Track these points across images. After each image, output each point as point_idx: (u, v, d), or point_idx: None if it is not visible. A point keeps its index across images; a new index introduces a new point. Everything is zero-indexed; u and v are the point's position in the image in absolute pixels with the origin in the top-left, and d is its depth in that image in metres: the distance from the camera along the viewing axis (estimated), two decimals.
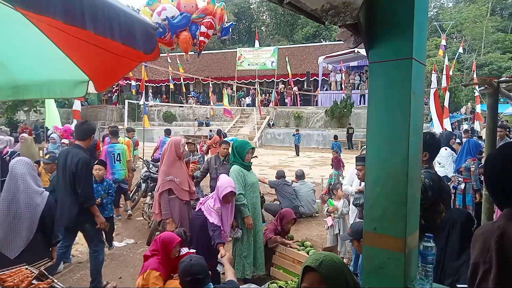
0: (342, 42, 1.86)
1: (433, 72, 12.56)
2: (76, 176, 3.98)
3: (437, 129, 10.37)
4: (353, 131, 21.20)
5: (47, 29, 2.24)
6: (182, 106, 28.35)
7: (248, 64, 27.74)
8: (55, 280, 1.97)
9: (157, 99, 31.99)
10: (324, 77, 27.18)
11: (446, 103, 11.66)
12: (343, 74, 25.09)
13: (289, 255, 4.36)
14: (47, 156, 6.27)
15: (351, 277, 1.58)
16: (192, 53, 28.95)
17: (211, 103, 28.79)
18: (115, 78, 2.52)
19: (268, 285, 3.78)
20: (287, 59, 27.20)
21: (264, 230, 4.75)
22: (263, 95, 28.93)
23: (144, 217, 6.99)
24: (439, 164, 7.06)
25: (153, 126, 24.86)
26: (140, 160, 9.95)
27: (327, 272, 1.52)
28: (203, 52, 31.69)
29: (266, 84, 29.08)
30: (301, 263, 1.98)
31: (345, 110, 22.84)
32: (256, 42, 28.71)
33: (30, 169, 3.19)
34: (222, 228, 3.96)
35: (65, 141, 9.49)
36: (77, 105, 11.52)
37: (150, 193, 7.14)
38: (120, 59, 2.15)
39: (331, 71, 26.65)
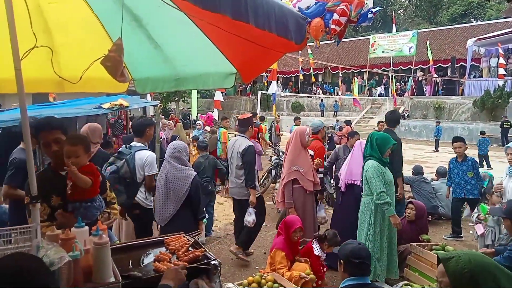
0: (508, 19, 1.56)
1: None
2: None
3: None
4: (510, 125, 17.93)
5: (204, 26, 2.51)
6: (311, 97, 28.51)
7: (382, 51, 26.09)
8: (207, 250, 2.23)
9: (286, 89, 32.89)
10: (473, 63, 23.63)
11: None
12: (500, 58, 21.18)
13: (427, 258, 3.99)
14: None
15: None
16: (332, 41, 28.65)
17: (340, 93, 28.17)
18: (260, 70, 2.68)
19: (402, 286, 3.56)
20: (427, 44, 24.54)
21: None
22: (398, 84, 26.86)
23: (274, 201, 7.33)
24: None
25: (282, 116, 25.67)
26: (270, 147, 10.46)
27: (453, 270, 1.38)
28: (331, 41, 31.23)
29: (401, 72, 26.86)
30: None
31: (499, 101, 19.45)
32: (393, 27, 26.74)
33: (175, 152, 3.63)
34: None
35: (207, 128, 10.61)
36: (218, 96, 12.65)
37: (279, 180, 7.47)
38: (267, 51, 2.27)
39: (483, 56, 22.93)
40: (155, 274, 1.91)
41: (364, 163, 4.13)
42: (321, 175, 5.19)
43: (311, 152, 5.16)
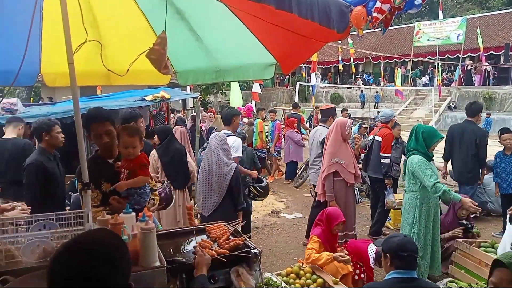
0: None
1: None
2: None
3: None
4: None
5: (244, 17, 2.52)
6: (350, 87, 27.81)
7: (428, 39, 24.82)
8: (247, 239, 2.26)
9: (325, 80, 32.30)
10: None
11: None
12: None
13: (475, 255, 3.81)
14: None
15: None
16: (374, 30, 27.66)
17: (381, 84, 27.23)
18: (300, 60, 2.65)
19: (447, 283, 3.43)
20: (478, 30, 23.00)
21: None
22: (444, 73, 25.50)
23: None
24: None
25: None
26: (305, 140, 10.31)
27: None
28: (373, 30, 29.91)
29: (448, 61, 25.43)
30: (489, 266, 1.70)
31: None
32: (440, 14, 25.33)
33: (222, 143, 3.72)
34: None
35: (245, 120, 10.66)
36: (256, 88, 12.64)
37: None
38: (308, 41, 2.24)
39: None
40: (193, 261, 1.95)
41: (408, 158, 3.94)
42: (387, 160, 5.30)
43: (379, 138, 5.38)
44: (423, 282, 2.49)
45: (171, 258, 1.93)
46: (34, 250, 1.71)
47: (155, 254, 1.86)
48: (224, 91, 25.31)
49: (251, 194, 4.79)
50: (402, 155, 5.46)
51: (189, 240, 2.33)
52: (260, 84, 14.83)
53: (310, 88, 20.38)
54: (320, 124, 5.33)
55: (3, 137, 4.28)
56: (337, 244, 3.92)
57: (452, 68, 25.11)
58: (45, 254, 1.72)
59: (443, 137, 4.01)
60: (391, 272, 2.29)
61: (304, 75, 25.69)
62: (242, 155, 4.51)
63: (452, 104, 22.14)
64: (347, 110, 10.82)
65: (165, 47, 2.28)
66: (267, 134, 9.49)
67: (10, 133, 4.26)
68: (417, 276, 2.32)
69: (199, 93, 9.10)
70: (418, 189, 3.82)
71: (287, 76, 32.42)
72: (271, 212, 6.87)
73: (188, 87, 12.68)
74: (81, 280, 0.95)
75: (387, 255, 2.35)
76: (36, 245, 1.72)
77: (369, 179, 5.93)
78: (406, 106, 24.17)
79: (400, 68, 25.03)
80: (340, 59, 25.99)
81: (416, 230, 3.82)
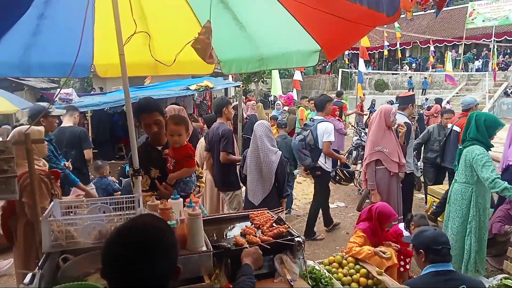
0: None
1: None
2: None
3: None
4: None
5: (288, 3, 2.48)
6: (397, 73, 26.65)
7: (483, 20, 23.17)
8: (290, 226, 2.27)
9: (369, 66, 31.20)
10: None
11: None
12: None
13: None
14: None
15: None
16: (427, 12, 26.02)
17: (430, 69, 25.82)
18: (346, 46, 2.57)
19: (501, 280, 3.24)
20: None
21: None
22: (501, 56, 23.68)
23: (355, 183, 7.13)
24: None
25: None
26: (352, 127, 10.08)
27: None
28: (423, 12, 28.23)
29: (506, 43, 23.53)
30: None
31: None
32: None
33: (267, 131, 3.74)
34: None
35: (286, 108, 10.60)
36: (297, 76, 12.49)
37: (360, 161, 7.30)
38: (354, 26, 2.16)
39: None
40: (237, 248, 1.99)
41: (465, 148, 3.65)
42: None
43: (457, 129, 5.22)
44: (459, 274, 2.46)
45: (216, 243, 1.99)
46: (91, 232, 1.83)
47: (202, 239, 1.92)
48: (265, 79, 25.25)
49: (337, 177, 5.16)
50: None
51: (232, 226, 2.38)
52: (301, 72, 14.63)
53: (353, 74, 19.77)
54: (398, 112, 5.07)
55: (62, 125, 4.58)
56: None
57: (509, 51, 23.27)
58: (101, 236, 1.83)
59: (504, 125, 3.70)
60: (427, 266, 2.27)
61: (347, 61, 24.94)
62: (333, 139, 4.88)
63: (509, 89, 20.58)
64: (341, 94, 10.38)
65: (210, 36, 2.30)
66: None
67: (67, 121, 4.57)
68: (453, 269, 2.28)
69: (241, 82, 9.15)
70: (475, 182, 3.57)
71: (329, 63, 31.69)
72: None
73: (230, 76, 12.80)
74: (133, 260, 1.01)
75: (420, 250, 2.33)
76: (92, 227, 1.83)
77: (448, 171, 5.71)
78: (457, 93, 22.79)
79: (451, 52, 23.55)
80: (385, 43, 24.90)
81: (474, 225, 3.59)
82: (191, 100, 9.36)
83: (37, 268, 1.63)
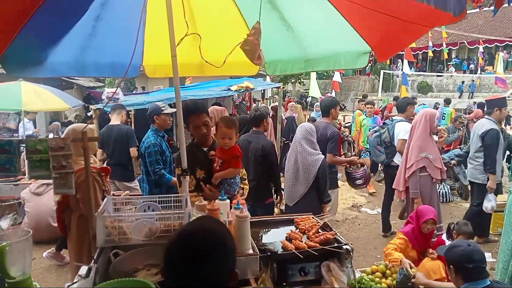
0: None
1: None
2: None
3: None
4: None
5: (339, 3, 2.41)
6: (441, 75, 25.49)
7: None
8: (338, 233, 2.20)
9: (412, 68, 30.07)
10: None
11: None
12: None
13: None
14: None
15: None
16: (487, 8, 24.74)
17: (479, 71, 24.46)
18: (399, 47, 2.47)
19: None
20: None
21: None
22: None
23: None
24: None
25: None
26: None
27: None
28: (477, 10, 26.72)
29: None
30: None
31: None
32: None
33: (307, 134, 3.66)
34: None
35: None
36: (337, 77, 12.28)
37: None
38: (410, 26, 2.06)
39: None
40: (283, 252, 1.96)
41: None
42: None
43: None
44: (496, 283, 2.27)
45: (262, 247, 1.96)
46: (142, 229, 1.87)
47: (249, 242, 1.91)
48: (302, 80, 25.05)
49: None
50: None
51: (277, 230, 2.35)
52: (340, 73, 14.35)
53: (395, 76, 19.07)
54: (486, 117, 4.93)
55: (110, 123, 4.77)
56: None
57: None
58: (151, 233, 1.86)
59: None
60: (464, 285, 2.14)
61: (388, 62, 24.17)
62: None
63: None
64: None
65: (259, 37, 2.29)
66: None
67: (115, 119, 4.75)
68: (489, 283, 2.13)
69: (280, 83, 9.10)
70: None
71: (369, 64, 30.87)
72: (352, 206, 6.68)
73: (268, 77, 12.79)
74: (196, 264, 1.01)
75: (451, 266, 2.21)
76: (143, 225, 1.87)
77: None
78: (508, 96, 21.39)
79: (502, 52, 22.17)
80: (430, 44, 23.89)
81: None
82: (230, 100, 9.45)
83: (92, 262, 1.69)
